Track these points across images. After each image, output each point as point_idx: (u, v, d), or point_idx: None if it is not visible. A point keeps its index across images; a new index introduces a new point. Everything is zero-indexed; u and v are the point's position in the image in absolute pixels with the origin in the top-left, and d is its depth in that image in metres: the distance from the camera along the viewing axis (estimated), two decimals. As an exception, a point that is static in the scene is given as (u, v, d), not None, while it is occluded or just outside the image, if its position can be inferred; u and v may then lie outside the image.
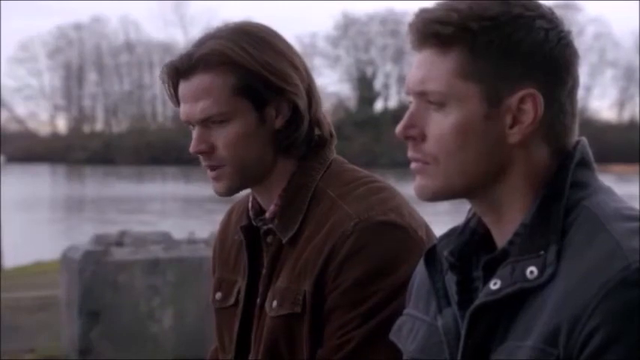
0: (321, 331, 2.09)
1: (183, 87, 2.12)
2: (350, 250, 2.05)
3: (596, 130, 48.27)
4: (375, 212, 2.08)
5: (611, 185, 1.63)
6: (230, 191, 2.16)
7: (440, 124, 1.58)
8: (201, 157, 2.14)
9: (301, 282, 2.10)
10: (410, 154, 1.62)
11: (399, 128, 1.61)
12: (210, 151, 2.12)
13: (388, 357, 1.91)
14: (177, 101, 2.16)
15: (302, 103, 2.15)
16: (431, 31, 1.58)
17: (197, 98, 2.10)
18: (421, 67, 1.61)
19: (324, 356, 2.07)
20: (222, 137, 2.11)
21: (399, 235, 2.08)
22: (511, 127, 1.57)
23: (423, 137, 1.60)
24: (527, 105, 1.56)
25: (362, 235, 2.06)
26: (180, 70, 2.11)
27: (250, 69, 2.10)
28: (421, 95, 1.60)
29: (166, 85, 2.16)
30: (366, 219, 2.07)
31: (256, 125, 2.13)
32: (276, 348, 2.14)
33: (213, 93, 2.09)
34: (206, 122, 2.11)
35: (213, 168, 2.14)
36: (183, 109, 2.13)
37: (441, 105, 1.58)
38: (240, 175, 2.14)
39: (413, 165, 1.62)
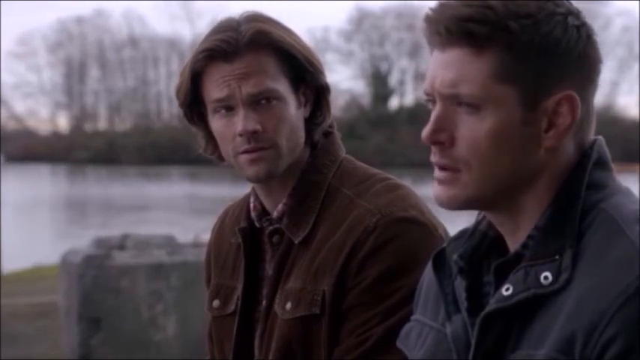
0: (340, 330, 2.06)
1: (226, 68, 2.07)
2: (373, 247, 2.03)
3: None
4: (396, 208, 2.07)
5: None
6: (269, 175, 2.10)
7: (474, 129, 1.52)
8: (241, 139, 2.08)
9: (319, 282, 2.07)
10: (436, 159, 1.56)
11: (426, 133, 1.54)
12: (259, 132, 2.07)
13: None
14: (193, 94, 2.11)
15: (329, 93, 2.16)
16: (464, 30, 1.51)
17: (248, 76, 2.06)
18: (450, 67, 1.53)
19: (342, 354, 2.04)
20: (272, 117, 2.07)
21: (420, 232, 2.06)
22: (546, 131, 1.52)
23: (452, 142, 1.54)
24: (563, 108, 1.52)
25: (385, 231, 2.04)
26: (228, 51, 2.07)
27: (294, 51, 2.09)
28: (452, 98, 1.53)
29: (189, 77, 2.10)
30: (387, 214, 2.05)
31: (296, 108, 2.12)
32: (289, 351, 2.10)
33: (266, 70, 2.08)
34: (257, 100, 2.07)
35: (254, 150, 2.08)
36: (228, 89, 2.07)
37: (475, 108, 1.52)
38: (282, 160, 2.10)
39: (440, 173, 1.56)
